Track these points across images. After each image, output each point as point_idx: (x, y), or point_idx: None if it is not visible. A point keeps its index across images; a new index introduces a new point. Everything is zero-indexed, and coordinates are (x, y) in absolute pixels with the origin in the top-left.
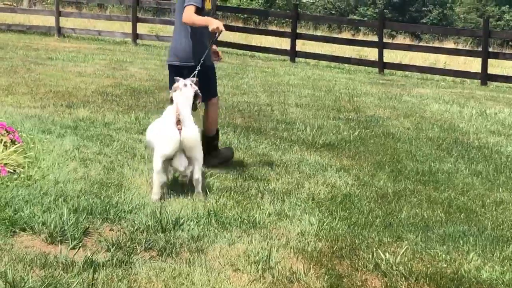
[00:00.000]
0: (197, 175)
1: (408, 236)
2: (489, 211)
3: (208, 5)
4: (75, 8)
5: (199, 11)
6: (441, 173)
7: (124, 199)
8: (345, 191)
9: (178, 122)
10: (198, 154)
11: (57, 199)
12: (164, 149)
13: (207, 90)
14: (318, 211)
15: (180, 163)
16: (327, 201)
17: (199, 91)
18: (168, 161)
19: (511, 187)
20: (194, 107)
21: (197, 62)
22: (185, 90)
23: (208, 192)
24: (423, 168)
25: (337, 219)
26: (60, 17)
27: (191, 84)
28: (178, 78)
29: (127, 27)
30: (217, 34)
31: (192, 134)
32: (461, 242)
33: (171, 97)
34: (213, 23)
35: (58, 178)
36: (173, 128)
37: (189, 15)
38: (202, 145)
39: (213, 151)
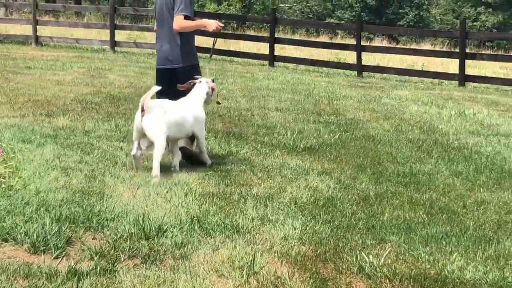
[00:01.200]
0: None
1: (391, 238)
2: (471, 212)
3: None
4: (52, 16)
5: (188, 18)
6: (422, 174)
7: (107, 207)
8: (327, 194)
9: (142, 109)
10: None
11: (39, 209)
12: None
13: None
14: (301, 215)
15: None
16: (309, 205)
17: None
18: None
19: (492, 187)
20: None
21: (189, 62)
22: (198, 85)
23: (189, 195)
24: (404, 170)
25: (320, 223)
26: (38, 26)
27: (208, 82)
28: (197, 76)
29: (105, 34)
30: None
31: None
32: (443, 243)
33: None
34: (210, 24)
35: (39, 187)
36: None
37: (180, 23)
38: None
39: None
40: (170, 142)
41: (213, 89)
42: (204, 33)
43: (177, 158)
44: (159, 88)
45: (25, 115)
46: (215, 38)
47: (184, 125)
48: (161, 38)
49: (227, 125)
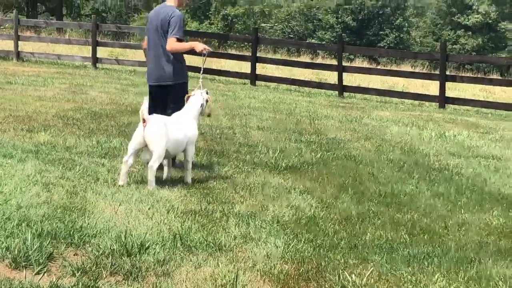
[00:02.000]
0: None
1: (373, 257)
2: (452, 233)
3: None
4: (34, 32)
5: (179, 40)
6: (403, 195)
7: (88, 223)
8: (309, 213)
9: (143, 120)
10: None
11: (20, 224)
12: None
13: (179, 105)
14: (284, 234)
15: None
16: (292, 224)
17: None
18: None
19: (473, 208)
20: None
21: (180, 79)
22: (193, 99)
23: (171, 212)
24: (385, 190)
25: (302, 242)
26: (19, 41)
27: (202, 92)
28: (194, 88)
29: (87, 50)
30: (205, 54)
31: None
32: (425, 263)
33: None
34: (198, 46)
35: (20, 202)
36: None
37: (172, 45)
38: None
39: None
40: (166, 158)
41: (207, 101)
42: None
43: (170, 170)
44: (148, 100)
45: (6, 130)
46: (205, 57)
47: (182, 143)
48: (156, 56)
49: (209, 143)
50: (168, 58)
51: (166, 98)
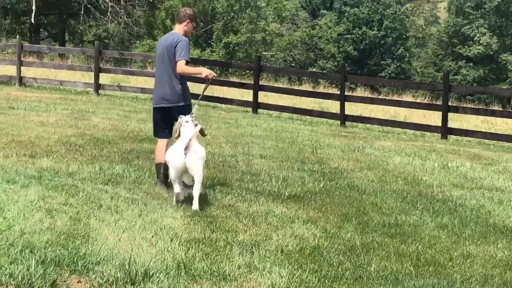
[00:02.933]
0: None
1: None
2: (457, 265)
3: None
4: (36, 57)
5: (188, 63)
6: (407, 225)
7: (92, 251)
8: (314, 243)
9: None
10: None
11: (23, 250)
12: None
13: None
14: (288, 263)
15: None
16: (296, 253)
17: (196, 122)
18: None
19: (477, 240)
20: (202, 134)
21: (183, 102)
22: (187, 125)
23: (175, 240)
24: (389, 221)
25: (307, 272)
26: (22, 67)
27: (192, 120)
28: (181, 115)
29: (89, 77)
30: (209, 80)
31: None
32: None
33: (178, 132)
34: (204, 71)
35: (24, 228)
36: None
37: (183, 67)
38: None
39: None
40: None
41: (196, 125)
42: (192, 79)
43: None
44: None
45: (9, 155)
46: (208, 83)
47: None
48: (161, 80)
49: (212, 170)
50: (172, 82)
51: (171, 119)
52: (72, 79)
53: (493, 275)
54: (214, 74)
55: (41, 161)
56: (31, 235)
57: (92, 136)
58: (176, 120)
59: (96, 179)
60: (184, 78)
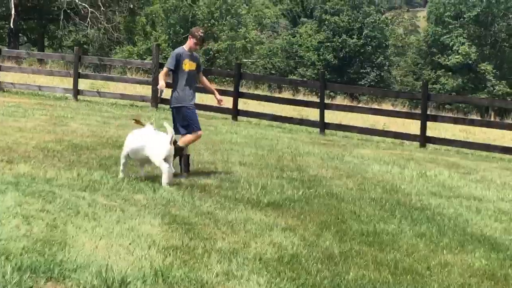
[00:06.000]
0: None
1: None
2: (435, 274)
3: (186, 67)
4: (15, 62)
5: (170, 70)
6: (385, 234)
7: (68, 258)
8: (292, 251)
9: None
10: None
11: None
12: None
13: (187, 125)
14: (266, 271)
15: None
16: (274, 261)
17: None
18: None
19: (455, 249)
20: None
21: (177, 103)
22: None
23: (152, 247)
24: (367, 229)
25: (285, 280)
26: (0, 71)
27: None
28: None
29: (68, 82)
30: (162, 91)
31: None
32: None
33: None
34: (159, 81)
35: (0, 235)
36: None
37: (160, 74)
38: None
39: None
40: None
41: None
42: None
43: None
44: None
45: None
46: (162, 91)
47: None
48: (180, 86)
49: (190, 177)
50: (174, 86)
51: (175, 118)
52: (51, 84)
53: (471, 284)
54: (163, 89)
55: (19, 167)
56: (7, 241)
57: (70, 142)
58: (175, 119)
59: (74, 185)
60: (182, 84)
